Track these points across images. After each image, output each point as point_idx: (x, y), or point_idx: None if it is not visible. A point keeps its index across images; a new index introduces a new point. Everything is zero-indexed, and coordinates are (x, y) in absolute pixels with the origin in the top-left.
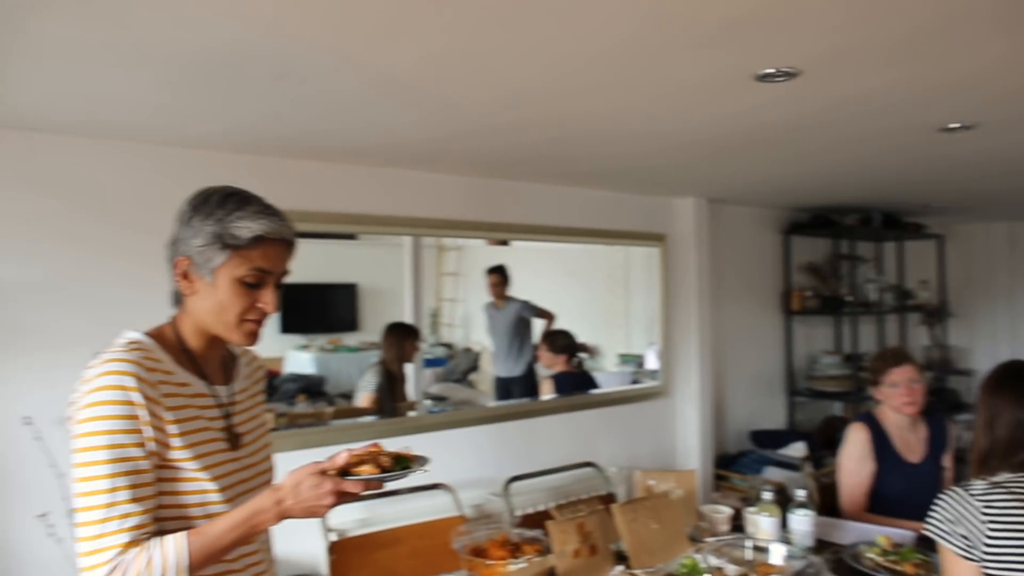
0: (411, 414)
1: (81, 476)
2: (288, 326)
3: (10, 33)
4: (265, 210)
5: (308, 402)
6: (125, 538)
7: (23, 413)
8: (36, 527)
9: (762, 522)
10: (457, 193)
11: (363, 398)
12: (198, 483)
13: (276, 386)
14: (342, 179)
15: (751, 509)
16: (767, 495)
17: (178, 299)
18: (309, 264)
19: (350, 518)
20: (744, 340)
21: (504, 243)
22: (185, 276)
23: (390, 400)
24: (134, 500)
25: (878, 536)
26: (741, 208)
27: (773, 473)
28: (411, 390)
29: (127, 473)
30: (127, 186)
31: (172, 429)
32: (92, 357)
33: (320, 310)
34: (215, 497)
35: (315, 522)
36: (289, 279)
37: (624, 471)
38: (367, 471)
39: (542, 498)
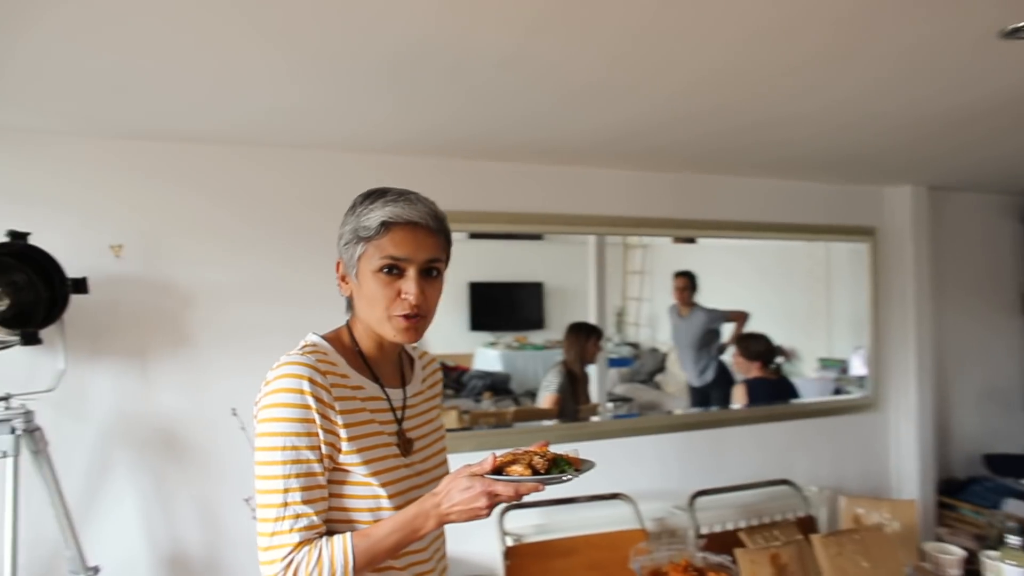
0: (594, 419)
1: (259, 475)
2: (477, 323)
3: (214, 59)
4: (398, 198)
5: (493, 399)
6: (296, 538)
7: (231, 405)
8: (242, 509)
9: (1008, 572)
10: (643, 189)
11: (545, 399)
12: (368, 487)
13: (464, 382)
14: (525, 179)
15: (991, 553)
16: (1014, 539)
17: (350, 303)
18: (496, 263)
19: (527, 523)
20: (974, 347)
21: (691, 240)
22: (343, 278)
23: (572, 402)
24: (305, 502)
25: None
26: (971, 196)
27: (1015, 507)
28: (594, 392)
29: (299, 475)
30: (320, 193)
31: (343, 433)
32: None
33: (507, 308)
34: (385, 503)
35: (492, 525)
36: (477, 278)
37: (825, 492)
38: (517, 472)
39: (730, 516)
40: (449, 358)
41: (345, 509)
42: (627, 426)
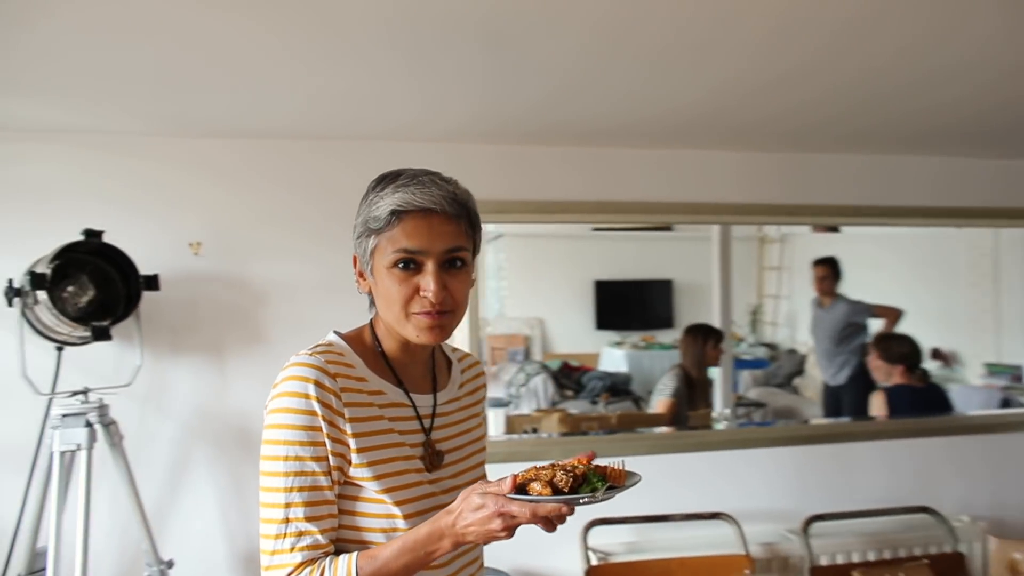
0: (719, 426)
1: (262, 486)
2: (603, 323)
3: (266, 49)
4: (409, 182)
5: (608, 401)
6: (298, 557)
7: None
8: None
9: None
10: (770, 173)
11: (659, 403)
12: (382, 505)
13: (583, 383)
14: (637, 165)
15: None
16: None
17: (373, 299)
18: (624, 260)
19: (616, 540)
20: None
21: (834, 229)
22: (360, 275)
23: (688, 408)
24: (309, 518)
25: None
26: None
27: None
28: (718, 397)
29: (303, 489)
30: None
31: (353, 444)
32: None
33: (635, 307)
34: (401, 523)
35: (575, 539)
36: (604, 275)
37: (979, 525)
38: (536, 489)
39: (855, 545)
40: (573, 358)
41: (357, 528)
42: (739, 437)
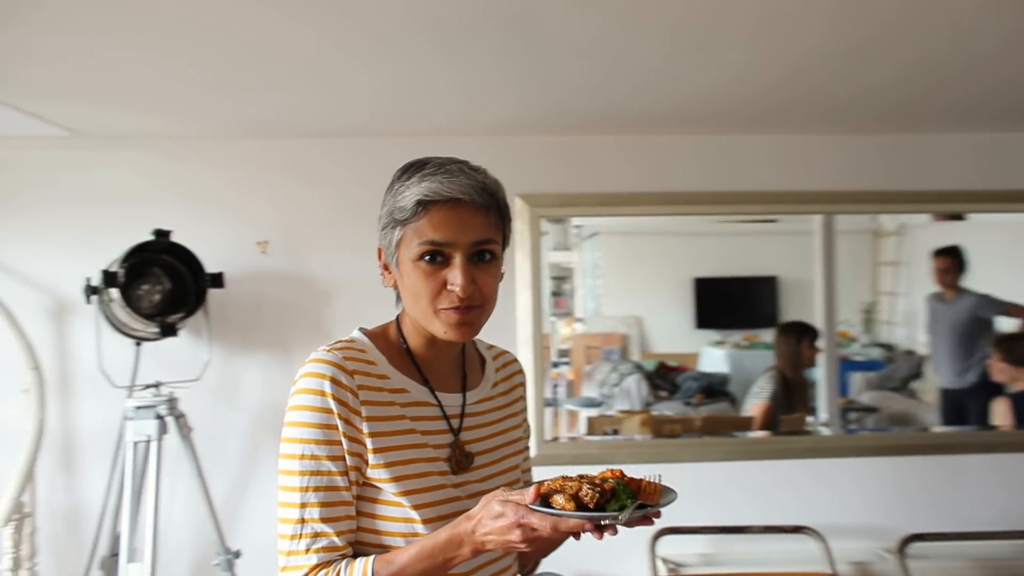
0: (824, 431)
1: (280, 485)
2: (703, 321)
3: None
4: (436, 171)
5: (704, 402)
6: (314, 559)
7: None
8: None
9: None
10: (873, 157)
11: (754, 407)
12: (401, 509)
13: (678, 384)
14: (715, 152)
15: None
16: None
17: (400, 294)
18: (726, 256)
19: (689, 551)
20: None
21: (958, 217)
22: (386, 267)
23: (785, 412)
24: (325, 519)
25: None
26: None
27: None
28: (822, 401)
29: (319, 489)
30: None
31: (370, 443)
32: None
33: (739, 305)
34: (420, 528)
35: (644, 547)
36: (703, 272)
37: None
38: (559, 503)
39: (962, 571)
40: (672, 357)
41: (377, 532)
42: (830, 444)
